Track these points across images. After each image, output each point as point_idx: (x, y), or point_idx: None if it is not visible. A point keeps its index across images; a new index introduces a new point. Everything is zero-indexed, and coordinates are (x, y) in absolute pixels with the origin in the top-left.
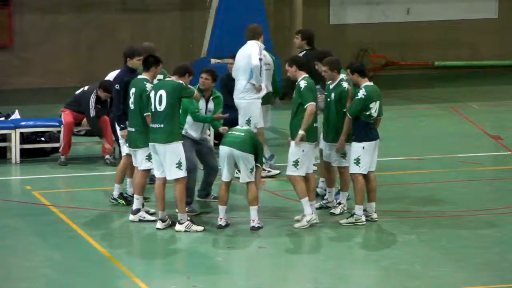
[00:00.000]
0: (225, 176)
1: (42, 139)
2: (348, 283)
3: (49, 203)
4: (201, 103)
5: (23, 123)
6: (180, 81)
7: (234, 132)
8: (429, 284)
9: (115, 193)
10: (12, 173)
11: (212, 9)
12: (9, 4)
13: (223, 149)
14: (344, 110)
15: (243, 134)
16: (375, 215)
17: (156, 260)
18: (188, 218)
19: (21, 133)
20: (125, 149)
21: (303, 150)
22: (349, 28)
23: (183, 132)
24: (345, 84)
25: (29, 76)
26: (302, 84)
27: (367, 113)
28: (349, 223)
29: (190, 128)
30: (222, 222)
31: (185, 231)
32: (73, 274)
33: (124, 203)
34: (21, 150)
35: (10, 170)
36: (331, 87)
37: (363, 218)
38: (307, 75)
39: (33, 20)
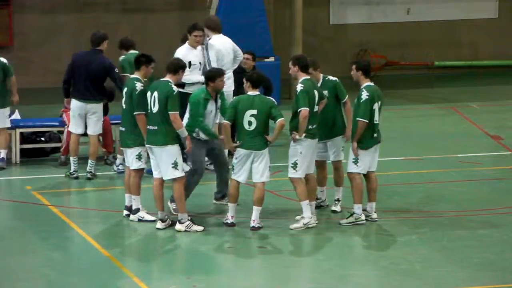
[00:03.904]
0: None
1: (42, 139)
2: (348, 283)
3: (49, 203)
4: (211, 106)
5: (23, 123)
6: (173, 89)
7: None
8: (429, 284)
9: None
10: (12, 173)
11: (212, 9)
12: (9, 4)
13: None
14: (344, 101)
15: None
16: (375, 215)
17: (156, 260)
18: (189, 218)
19: (21, 133)
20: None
21: (300, 152)
22: (349, 28)
23: (194, 134)
24: (332, 77)
25: (29, 76)
26: (299, 87)
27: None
28: (349, 222)
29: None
30: (228, 220)
31: (185, 230)
32: (73, 274)
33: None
34: (21, 150)
35: (10, 170)
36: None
37: (363, 217)
38: (307, 77)
39: (33, 20)
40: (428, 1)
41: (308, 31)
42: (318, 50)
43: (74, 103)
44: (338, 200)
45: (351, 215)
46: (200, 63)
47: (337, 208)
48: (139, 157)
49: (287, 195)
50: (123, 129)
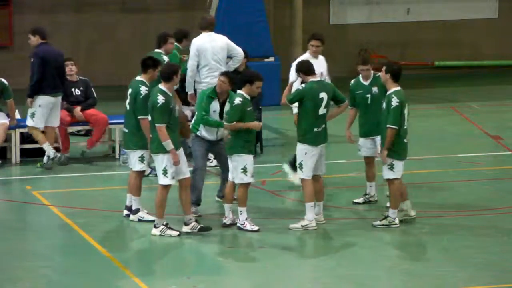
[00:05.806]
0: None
1: None
2: (349, 283)
3: (49, 203)
4: (215, 105)
5: (23, 123)
6: (158, 100)
7: None
8: (429, 284)
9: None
10: (12, 173)
11: (212, 9)
12: (9, 4)
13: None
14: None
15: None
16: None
17: (156, 260)
18: (164, 223)
19: (21, 133)
20: None
21: (305, 153)
22: (349, 28)
23: (198, 133)
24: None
25: (29, 76)
26: (300, 87)
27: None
28: (382, 225)
29: (204, 129)
30: (226, 221)
31: (160, 235)
32: (73, 274)
33: None
34: (21, 150)
35: (10, 170)
36: (366, 83)
37: (397, 221)
38: (313, 80)
39: (33, 20)
40: (428, 1)
41: (308, 31)
42: None
43: (46, 99)
44: (365, 194)
45: (385, 217)
46: (322, 73)
47: (360, 200)
48: (141, 159)
49: (287, 195)
50: (126, 130)
